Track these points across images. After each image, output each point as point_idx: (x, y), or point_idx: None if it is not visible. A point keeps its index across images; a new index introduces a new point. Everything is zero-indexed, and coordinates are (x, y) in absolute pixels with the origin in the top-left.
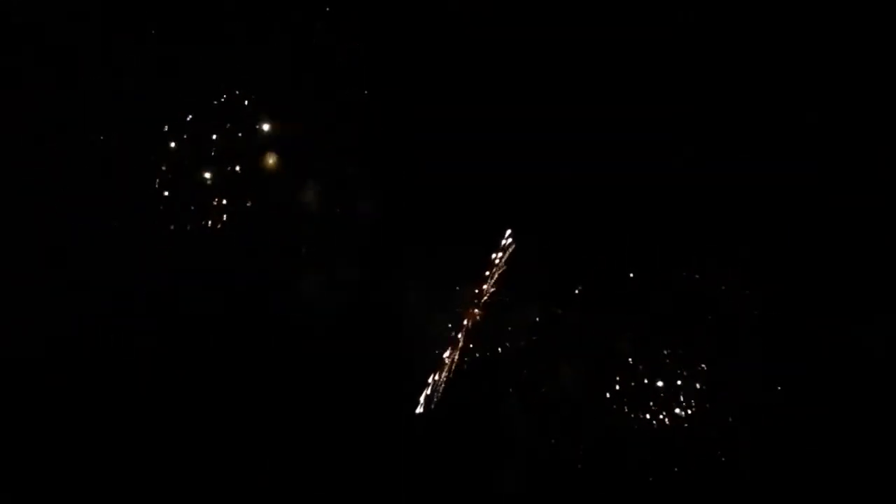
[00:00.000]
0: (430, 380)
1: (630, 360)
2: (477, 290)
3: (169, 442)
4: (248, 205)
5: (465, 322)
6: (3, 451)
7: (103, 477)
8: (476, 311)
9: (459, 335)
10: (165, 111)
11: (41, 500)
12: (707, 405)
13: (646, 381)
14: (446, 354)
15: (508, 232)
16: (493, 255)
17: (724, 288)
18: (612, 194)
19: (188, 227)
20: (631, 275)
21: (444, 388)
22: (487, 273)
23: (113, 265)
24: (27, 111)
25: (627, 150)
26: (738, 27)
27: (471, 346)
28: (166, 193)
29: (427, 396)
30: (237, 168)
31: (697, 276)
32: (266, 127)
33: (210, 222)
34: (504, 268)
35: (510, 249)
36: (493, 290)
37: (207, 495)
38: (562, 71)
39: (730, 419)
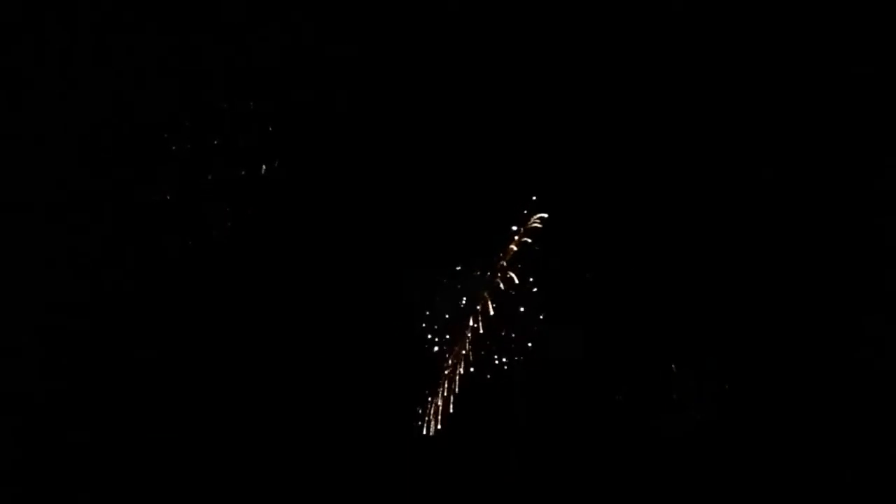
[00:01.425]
0: (437, 388)
1: (642, 359)
2: (489, 273)
3: (174, 446)
4: (251, 204)
5: (476, 310)
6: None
7: (109, 477)
8: (488, 298)
9: (468, 335)
10: (165, 112)
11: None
12: (719, 407)
13: (658, 382)
14: (450, 364)
15: (534, 198)
16: (513, 229)
17: (731, 290)
18: (616, 194)
19: (188, 227)
20: (638, 274)
21: (453, 396)
22: (502, 254)
23: (113, 265)
24: (27, 111)
25: (629, 149)
26: (739, 27)
27: (482, 342)
28: (168, 192)
29: (435, 407)
30: (239, 167)
31: (706, 277)
32: (266, 126)
33: (211, 222)
34: (517, 248)
35: (532, 225)
36: (507, 274)
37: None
38: (562, 70)
39: (740, 421)
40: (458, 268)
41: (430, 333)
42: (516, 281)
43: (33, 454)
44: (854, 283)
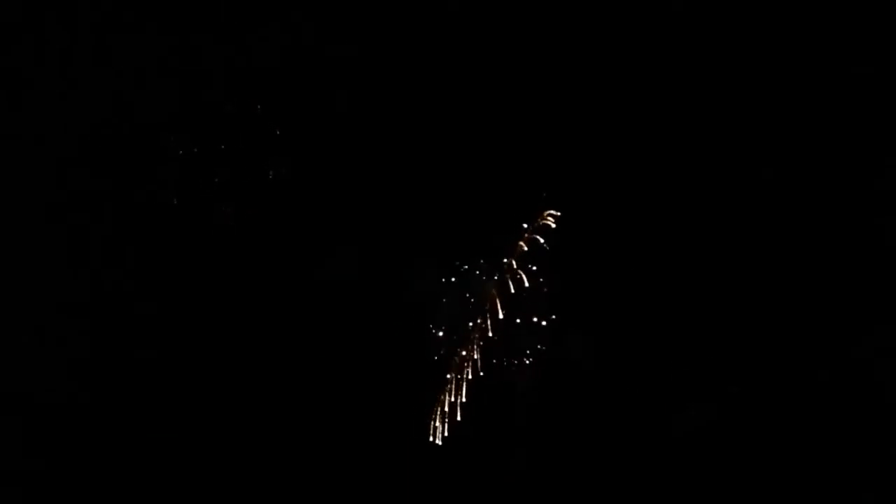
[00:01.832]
0: (444, 393)
1: (644, 360)
2: (498, 273)
3: (174, 446)
4: (252, 204)
5: (485, 311)
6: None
7: (109, 477)
8: (496, 298)
9: (476, 337)
10: (165, 112)
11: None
12: (719, 407)
13: (659, 382)
14: (457, 367)
15: (544, 194)
16: (524, 226)
17: (732, 290)
18: (621, 196)
19: (189, 227)
20: (641, 275)
21: (460, 402)
22: (511, 253)
23: (113, 265)
24: (27, 111)
25: (637, 150)
26: (739, 27)
27: (490, 344)
28: (168, 193)
29: (441, 413)
30: (239, 167)
31: (708, 278)
32: (267, 126)
33: (216, 220)
34: (527, 247)
35: (542, 223)
36: (516, 274)
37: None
38: (568, 71)
39: (740, 421)
40: (465, 267)
41: (437, 336)
42: (526, 283)
43: (33, 454)
44: (854, 284)
